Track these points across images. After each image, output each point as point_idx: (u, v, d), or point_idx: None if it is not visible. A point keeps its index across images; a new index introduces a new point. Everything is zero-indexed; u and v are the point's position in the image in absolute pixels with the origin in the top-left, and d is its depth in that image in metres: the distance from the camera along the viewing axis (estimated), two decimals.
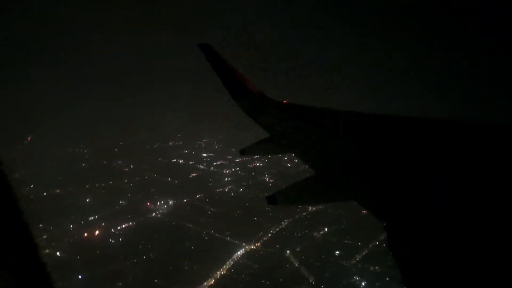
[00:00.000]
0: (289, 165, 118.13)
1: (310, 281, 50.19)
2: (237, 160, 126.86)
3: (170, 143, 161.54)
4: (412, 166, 4.91)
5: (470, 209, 3.71)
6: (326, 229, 66.55)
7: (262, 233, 65.28)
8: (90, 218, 69.49)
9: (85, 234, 64.57)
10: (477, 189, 4.00)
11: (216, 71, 9.99)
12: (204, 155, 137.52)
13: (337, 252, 57.87)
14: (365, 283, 49.85)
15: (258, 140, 8.97)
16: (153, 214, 76.12)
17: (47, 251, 55.46)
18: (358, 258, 56.07)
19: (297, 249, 58.96)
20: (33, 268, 2.21)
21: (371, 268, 52.93)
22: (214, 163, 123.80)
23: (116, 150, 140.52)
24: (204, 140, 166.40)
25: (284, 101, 9.82)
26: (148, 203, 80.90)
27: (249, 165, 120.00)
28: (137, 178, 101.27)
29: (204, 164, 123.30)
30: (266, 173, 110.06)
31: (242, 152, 9.44)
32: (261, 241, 62.61)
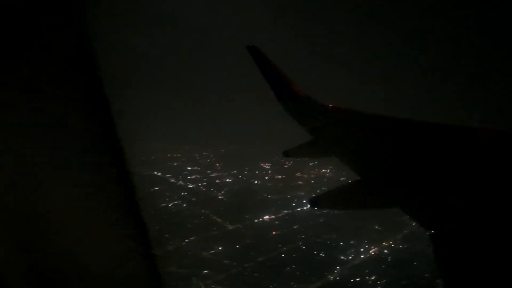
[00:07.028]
0: (256, 182, 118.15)
1: None
2: (213, 174, 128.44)
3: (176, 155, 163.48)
4: (462, 177, 4.85)
5: None
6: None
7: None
8: None
9: None
10: None
11: (263, 73, 10.15)
12: (188, 168, 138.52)
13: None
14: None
15: (302, 143, 9.21)
16: None
17: None
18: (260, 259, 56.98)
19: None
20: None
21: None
22: (189, 177, 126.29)
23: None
24: (205, 153, 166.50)
25: (330, 105, 9.95)
26: None
27: (217, 181, 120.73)
28: None
29: (180, 176, 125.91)
30: (225, 189, 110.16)
31: (286, 154, 9.90)
32: None
